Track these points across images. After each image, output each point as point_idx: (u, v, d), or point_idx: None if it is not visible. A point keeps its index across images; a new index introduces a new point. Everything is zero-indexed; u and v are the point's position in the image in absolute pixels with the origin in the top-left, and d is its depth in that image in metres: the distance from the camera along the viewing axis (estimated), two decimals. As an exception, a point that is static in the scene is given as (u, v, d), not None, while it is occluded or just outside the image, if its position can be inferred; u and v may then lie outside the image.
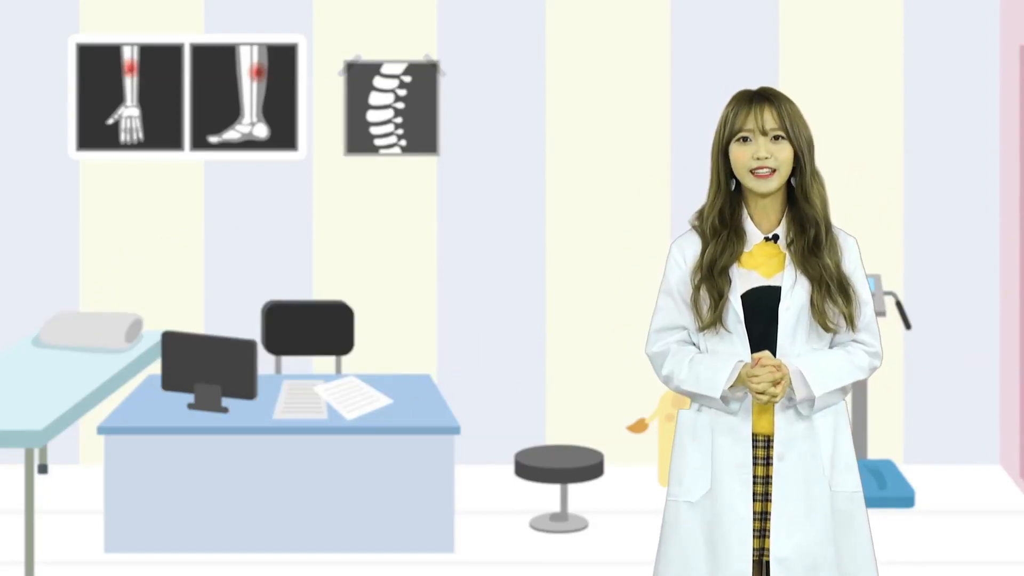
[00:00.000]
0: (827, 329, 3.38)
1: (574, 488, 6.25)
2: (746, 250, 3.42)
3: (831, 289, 3.38)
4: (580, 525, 5.78)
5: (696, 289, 3.41)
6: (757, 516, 3.41)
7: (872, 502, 5.91)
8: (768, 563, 3.41)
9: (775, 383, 3.32)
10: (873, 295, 6.07)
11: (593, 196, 6.69)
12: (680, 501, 3.45)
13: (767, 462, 3.42)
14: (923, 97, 6.64)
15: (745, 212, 3.44)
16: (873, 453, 6.63)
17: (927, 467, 6.65)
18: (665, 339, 3.50)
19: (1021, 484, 6.31)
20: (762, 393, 3.32)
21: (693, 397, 3.45)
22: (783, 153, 3.36)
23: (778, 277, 3.40)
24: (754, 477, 3.41)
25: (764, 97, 3.39)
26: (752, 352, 3.38)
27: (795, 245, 3.40)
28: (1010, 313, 6.51)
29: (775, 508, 3.37)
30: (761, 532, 3.41)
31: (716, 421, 3.43)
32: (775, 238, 3.42)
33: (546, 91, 6.68)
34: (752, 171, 3.37)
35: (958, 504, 6.14)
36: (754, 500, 3.41)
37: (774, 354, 3.38)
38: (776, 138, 3.36)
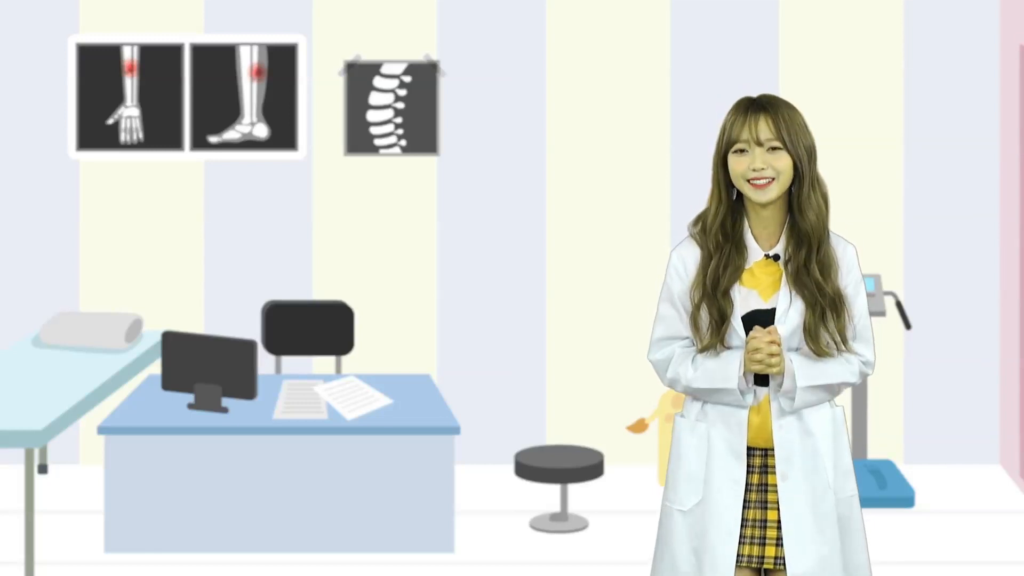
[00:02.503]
0: (819, 354, 3.34)
1: (574, 488, 6.25)
2: (747, 266, 3.38)
3: (824, 312, 3.33)
4: (580, 525, 5.78)
5: (696, 307, 3.37)
6: (757, 524, 3.39)
7: (872, 502, 5.91)
8: (767, 571, 3.40)
9: (772, 355, 3.29)
10: (873, 295, 6.07)
11: (593, 196, 6.69)
12: (673, 508, 3.45)
13: (764, 470, 3.40)
14: (923, 97, 6.64)
15: (746, 225, 3.39)
16: (873, 453, 6.63)
17: (927, 467, 6.64)
18: (668, 347, 3.47)
19: (1021, 484, 6.31)
20: (759, 362, 3.29)
21: (705, 394, 3.40)
22: (780, 163, 3.30)
23: (775, 299, 3.36)
24: (749, 485, 3.39)
25: (761, 107, 3.32)
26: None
27: (792, 263, 3.35)
28: (1010, 313, 6.51)
29: (785, 526, 3.34)
30: (762, 540, 3.39)
31: (712, 432, 3.40)
32: (776, 257, 3.38)
33: (546, 91, 6.68)
34: (749, 181, 3.31)
35: (958, 504, 6.14)
36: (750, 508, 3.39)
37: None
38: (773, 149, 3.30)
